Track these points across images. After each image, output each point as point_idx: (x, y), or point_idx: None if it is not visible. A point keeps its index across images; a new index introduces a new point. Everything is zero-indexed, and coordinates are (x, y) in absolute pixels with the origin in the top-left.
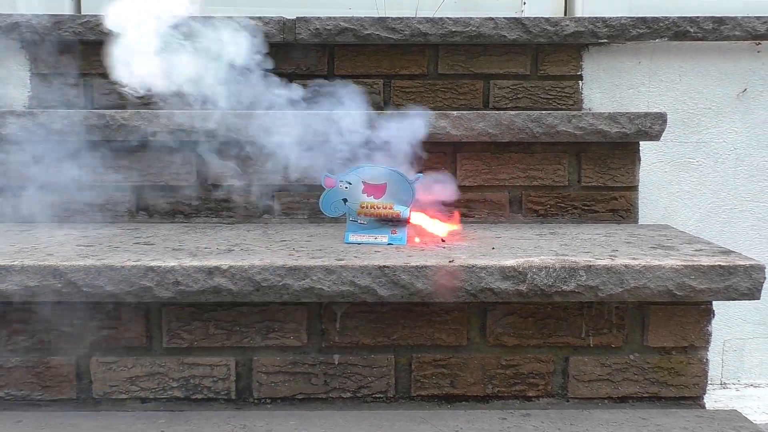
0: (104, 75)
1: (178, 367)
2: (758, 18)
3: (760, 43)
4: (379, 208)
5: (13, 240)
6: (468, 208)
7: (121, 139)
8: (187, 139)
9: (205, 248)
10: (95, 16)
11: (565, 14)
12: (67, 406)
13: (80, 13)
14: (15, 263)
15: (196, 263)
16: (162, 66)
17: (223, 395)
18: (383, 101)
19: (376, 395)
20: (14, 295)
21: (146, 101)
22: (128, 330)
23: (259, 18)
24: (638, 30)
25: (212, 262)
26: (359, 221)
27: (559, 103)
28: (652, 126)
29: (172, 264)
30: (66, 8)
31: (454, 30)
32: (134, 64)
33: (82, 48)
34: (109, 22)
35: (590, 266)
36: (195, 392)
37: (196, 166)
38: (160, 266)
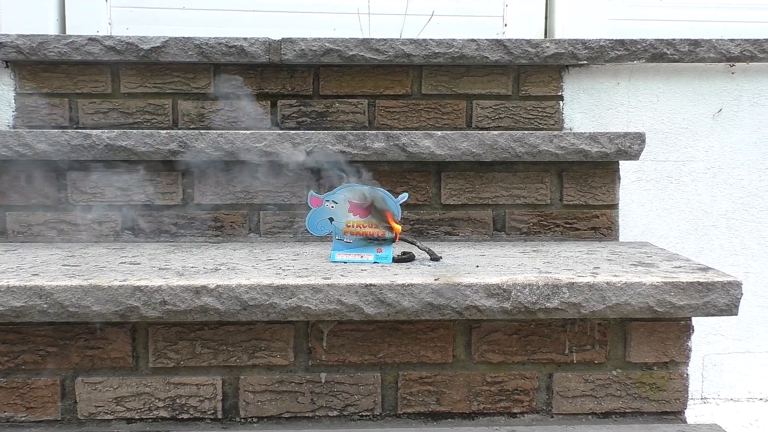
0: (89, 95)
1: (164, 387)
2: (732, 40)
3: (734, 65)
4: (364, 227)
5: None
6: (452, 226)
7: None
8: (173, 158)
9: (192, 267)
10: (80, 36)
11: (546, 36)
12: (51, 428)
13: (65, 33)
14: (0, 283)
15: (183, 282)
16: None
17: (210, 415)
18: (368, 121)
19: (363, 413)
20: (0, 315)
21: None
22: (114, 350)
23: (245, 39)
24: (617, 52)
25: (199, 281)
26: (345, 240)
27: (540, 123)
28: (632, 146)
29: (160, 284)
30: (51, 28)
31: (437, 51)
32: None
33: (66, 68)
34: None
35: (573, 283)
36: (181, 412)
37: (182, 185)
38: (147, 286)
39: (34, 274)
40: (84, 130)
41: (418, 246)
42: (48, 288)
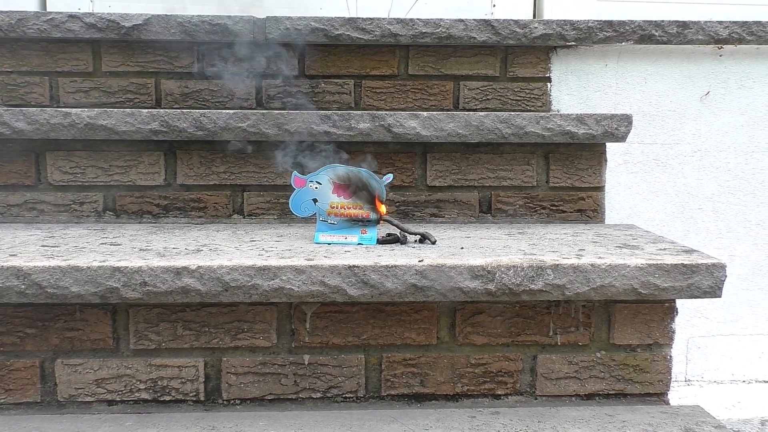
0: (70, 73)
1: (145, 369)
2: (720, 23)
3: (722, 47)
4: (349, 208)
5: None
6: (438, 208)
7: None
8: (155, 138)
9: (174, 248)
10: (60, 13)
11: (534, 17)
12: (31, 410)
13: (45, 9)
14: None
15: (164, 263)
16: None
17: (192, 397)
18: (354, 102)
19: (347, 395)
20: None
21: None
22: (94, 332)
23: (229, 17)
24: (605, 33)
25: (180, 262)
26: (329, 221)
27: (527, 105)
28: (618, 127)
29: (140, 264)
30: (31, 5)
31: (424, 31)
32: None
33: (47, 45)
34: None
35: (557, 265)
36: (163, 394)
37: (165, 165)
38: (127, 267)
39: (11, 255)
40: (64, 109)
41: (396, 225)
42: (26, 269)
